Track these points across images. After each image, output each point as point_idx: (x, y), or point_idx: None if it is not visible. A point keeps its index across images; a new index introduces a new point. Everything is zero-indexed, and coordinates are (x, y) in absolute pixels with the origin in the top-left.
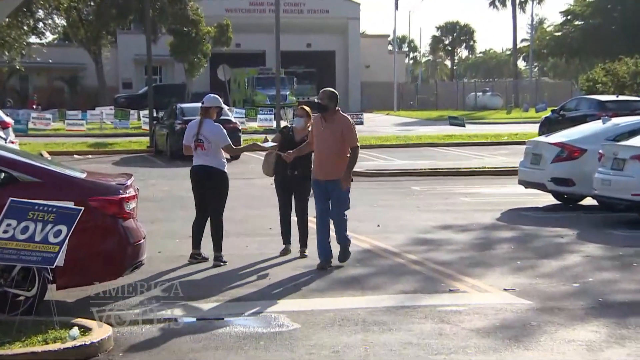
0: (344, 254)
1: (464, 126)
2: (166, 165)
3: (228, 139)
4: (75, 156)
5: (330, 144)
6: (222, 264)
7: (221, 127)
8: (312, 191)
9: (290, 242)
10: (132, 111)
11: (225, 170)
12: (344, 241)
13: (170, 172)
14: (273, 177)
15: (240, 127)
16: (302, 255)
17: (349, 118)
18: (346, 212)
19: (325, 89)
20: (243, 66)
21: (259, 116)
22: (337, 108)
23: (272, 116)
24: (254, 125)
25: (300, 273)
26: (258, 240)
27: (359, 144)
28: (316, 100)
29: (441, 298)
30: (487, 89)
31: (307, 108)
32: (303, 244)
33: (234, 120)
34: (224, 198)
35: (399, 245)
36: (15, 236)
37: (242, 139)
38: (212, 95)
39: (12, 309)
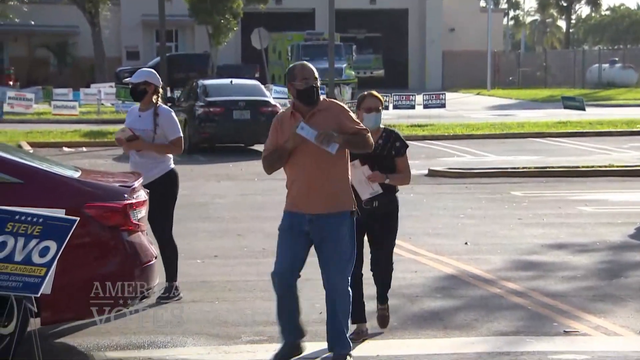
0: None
1: (584, 110)
2: (184, 161)
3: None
4: (65, 149)
5: (322, 150)
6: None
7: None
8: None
9: (365, 319)
10: None
11: None
12: (339, 334)
13: (189, 171)
14: None
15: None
16: (383, 317)
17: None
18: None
19: (302, 63)
20: (285, 30)
21: None
22: None
23: (324, 97)
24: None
25: None
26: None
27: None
28: (297, 86)
29: (553, 342)
30: (617, 59)
31: (380, 96)
32: (382, 297)
33: (272, 101)
34: None
35: (495, 270)
36: None
37: None
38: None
39: None
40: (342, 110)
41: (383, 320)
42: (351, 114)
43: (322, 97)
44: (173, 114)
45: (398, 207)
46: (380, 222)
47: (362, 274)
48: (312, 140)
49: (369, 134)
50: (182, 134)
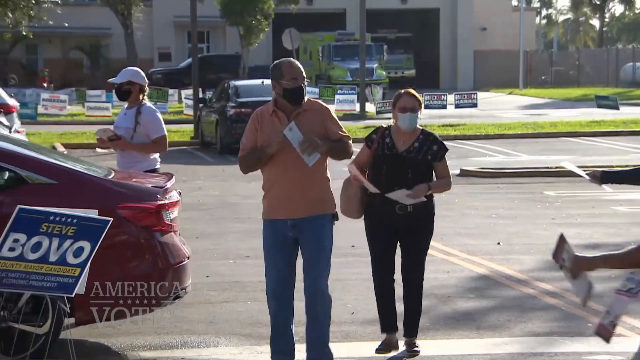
0: None
1: (618, 109)
2: (216, 161)
3: None
4: (99, 150)
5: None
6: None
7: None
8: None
9: (396, 329)
10: (171, 91)
11: None
12: (322, 345)
13: (221, 172)
14: (362, 218)
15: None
16: (411, 351)
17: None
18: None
19: (289, 60)
20: (316, 30)
21: (337, 97)
22: None
23: (355, 97)
24: (330, 108)
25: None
26: (337, 261)
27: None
28: (284, 84)
29: (587, 343)
30: None
31: (418, 96)
32: (412, 330)
33: None
34: None
35: (528, 270)
36: (24, 255)
37: None
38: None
39: (19, 350)
40: (326, 111)
41: (410, 354)
42: (334, 115)
43: (313, 100)
44: (158, 113)
45: (434, 212)
46: (413, 227)
47: (394, 280)
48: (294, 145)
49: (351, 141)
50: (166, 133)
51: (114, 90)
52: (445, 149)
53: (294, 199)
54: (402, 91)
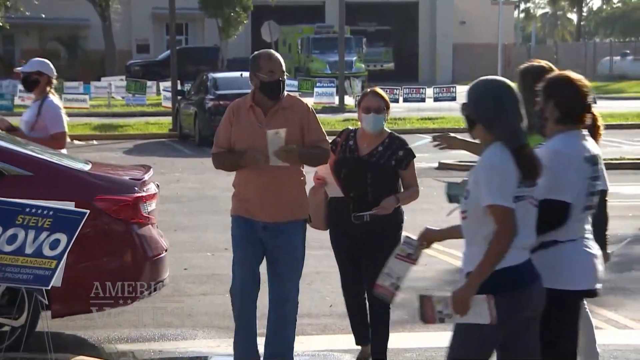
0: None
1: (595, 102)
2: (194, 154)
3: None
4: (76, 142)
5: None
6: None
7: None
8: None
9: (369, 340)
10: (149, 83)
11: None
12: (290, 356)
13: (199, 164)
14: (328, 231)
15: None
16: None
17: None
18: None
19: (269, 52)
20: (295, 23)
21: (316, 90)
22: None
23: (334, 89)
24: (309, 101)
25: None
26: (315, 254)
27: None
28: (261, 77)
29: None
30: (628, 51)
31: (385, 95)
32: (382, 353)
33: None
34: None
35: None
36: None
37: None
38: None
39: None
40: (307, 111)
41: None
42: (316, 116)
43: (286, 92)
44: (61, 110)
45: (401, 220)
46: (374, 237)
47: (364, 298)
48: (270, 148)
49: (329, 148)
50: (65, 130)
51: (20, 80)
52: (413, 156)
53: (266, 203)
54: (368, 90)
